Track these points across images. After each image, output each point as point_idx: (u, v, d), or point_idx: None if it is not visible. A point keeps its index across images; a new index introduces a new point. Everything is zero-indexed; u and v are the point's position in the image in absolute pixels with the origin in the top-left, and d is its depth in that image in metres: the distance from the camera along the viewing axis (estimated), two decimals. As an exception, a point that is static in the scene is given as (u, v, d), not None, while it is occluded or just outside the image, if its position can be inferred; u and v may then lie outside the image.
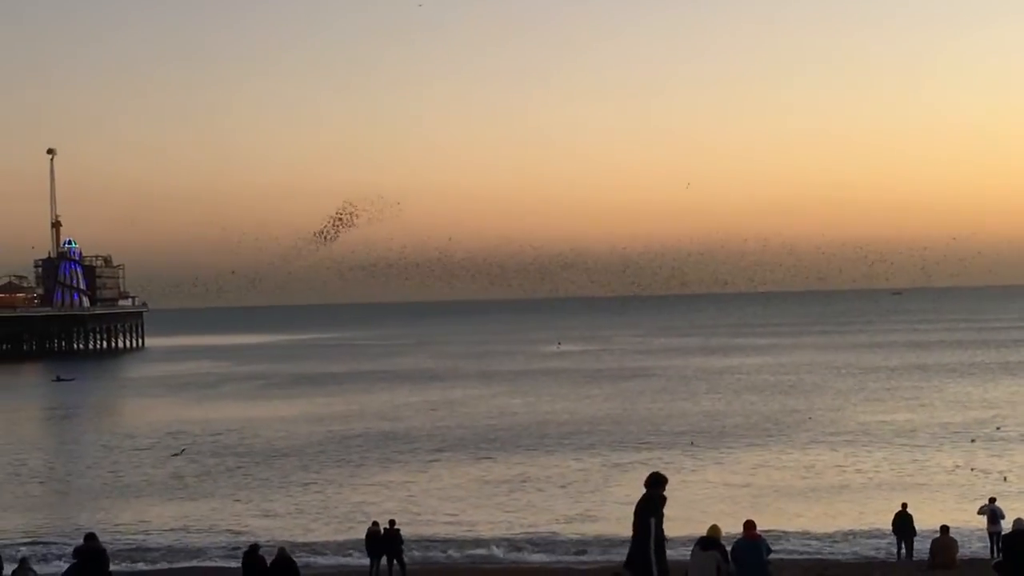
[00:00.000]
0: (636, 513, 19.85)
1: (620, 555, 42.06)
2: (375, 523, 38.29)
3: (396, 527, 37.59)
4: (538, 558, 43.10)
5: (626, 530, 45.47)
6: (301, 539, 46.25)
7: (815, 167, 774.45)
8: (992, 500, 38.08)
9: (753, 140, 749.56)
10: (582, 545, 44.55)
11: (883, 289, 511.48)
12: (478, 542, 45.31)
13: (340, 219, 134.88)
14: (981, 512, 37.59)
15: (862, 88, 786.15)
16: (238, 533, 47.60)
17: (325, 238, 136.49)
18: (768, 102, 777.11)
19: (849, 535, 44.62)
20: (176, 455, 69.85)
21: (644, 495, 19.81)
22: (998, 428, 73.87)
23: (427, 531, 47.15)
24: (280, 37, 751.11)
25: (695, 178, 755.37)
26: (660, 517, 19.69)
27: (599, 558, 41.96)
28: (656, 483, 19.82)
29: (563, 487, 57.31)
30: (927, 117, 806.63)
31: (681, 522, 47.14)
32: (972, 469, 59.22)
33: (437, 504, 53.58)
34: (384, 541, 37.26)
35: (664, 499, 19.78)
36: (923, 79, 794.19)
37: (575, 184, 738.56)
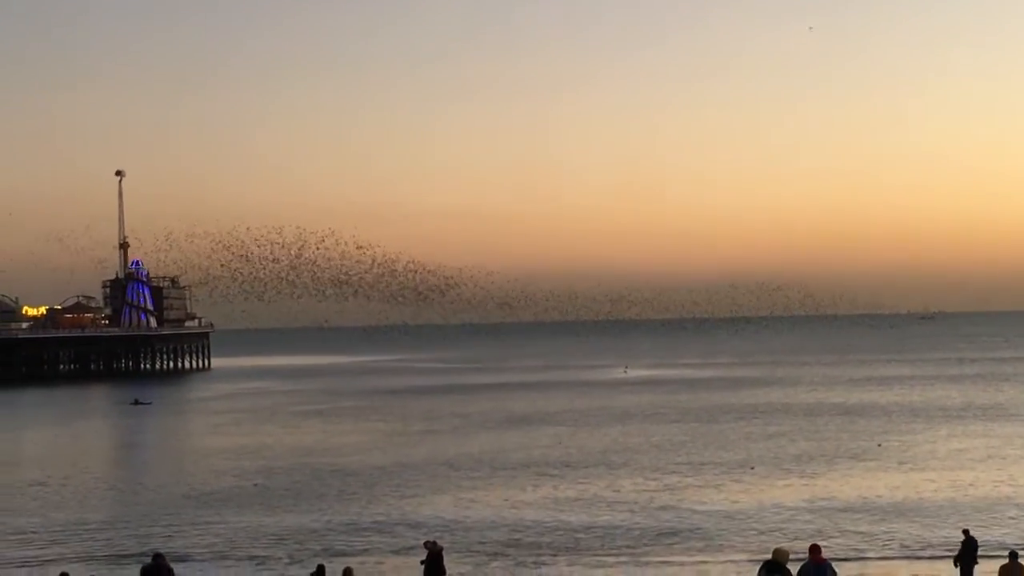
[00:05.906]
0: None
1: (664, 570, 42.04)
2: (425, 543, 37.94)
3: (439, 547, 36.96)
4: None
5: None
6: (374, 560, 46.25)
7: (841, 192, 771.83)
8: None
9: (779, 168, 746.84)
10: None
11: (912, 314, 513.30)
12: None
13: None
14: None
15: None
16: (316, 554, 47.41)
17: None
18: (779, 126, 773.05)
19: (913, 560, 44.35)
20: (256, 484, 69.19)
21: None
22: None
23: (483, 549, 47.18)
24: (348, 52, 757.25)
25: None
26: None
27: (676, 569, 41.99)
28: None
29: (628, 511, 57.10)
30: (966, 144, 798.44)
31: (746, 546, 47.11)
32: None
33: (496, 524, 53.55)
34: (430, 560, 36.72)
35: None
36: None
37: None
